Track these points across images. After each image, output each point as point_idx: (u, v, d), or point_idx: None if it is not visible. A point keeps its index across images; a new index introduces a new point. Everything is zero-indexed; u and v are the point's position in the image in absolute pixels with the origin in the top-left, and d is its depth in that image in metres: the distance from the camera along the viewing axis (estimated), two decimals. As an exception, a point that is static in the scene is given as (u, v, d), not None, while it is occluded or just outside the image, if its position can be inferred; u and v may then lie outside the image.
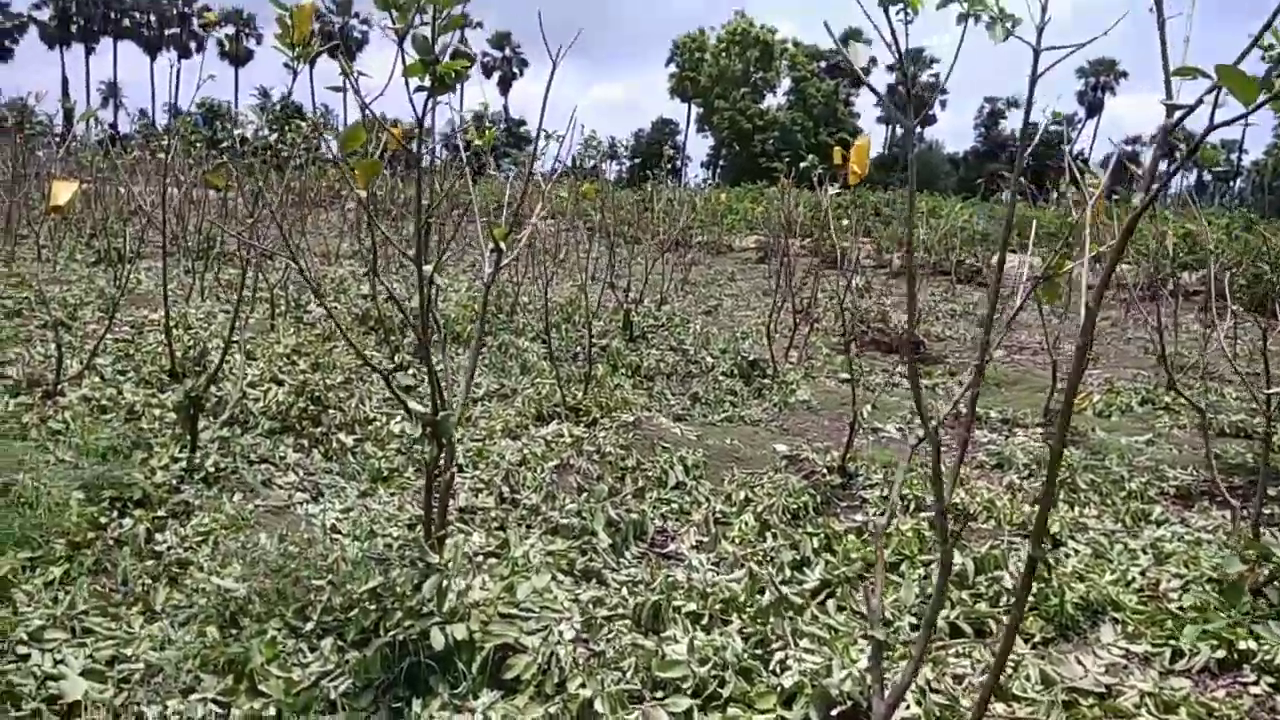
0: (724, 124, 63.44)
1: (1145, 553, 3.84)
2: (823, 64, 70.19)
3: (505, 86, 75.02)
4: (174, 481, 3.90)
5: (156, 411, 4.83)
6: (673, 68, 69.05)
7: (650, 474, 4.46)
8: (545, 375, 6.45)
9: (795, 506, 4.07)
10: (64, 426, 4.50)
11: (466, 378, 2.95)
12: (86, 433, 4.35)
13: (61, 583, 2.99)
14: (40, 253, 10.98)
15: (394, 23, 2.13)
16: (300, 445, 4.69)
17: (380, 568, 3.00)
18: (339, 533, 3.56)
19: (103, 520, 3.38)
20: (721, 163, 63.82)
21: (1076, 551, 3.78)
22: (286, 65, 3.29)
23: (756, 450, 5.25)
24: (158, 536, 3.35)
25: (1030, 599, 3.39)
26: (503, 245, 3.07)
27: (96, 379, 5.39)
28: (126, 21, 70.83)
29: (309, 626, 2.67)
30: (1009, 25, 1.69)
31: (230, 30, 69.10)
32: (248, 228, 3.91)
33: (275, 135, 3.94)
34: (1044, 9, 1.73)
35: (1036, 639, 3.15)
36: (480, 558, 3.33)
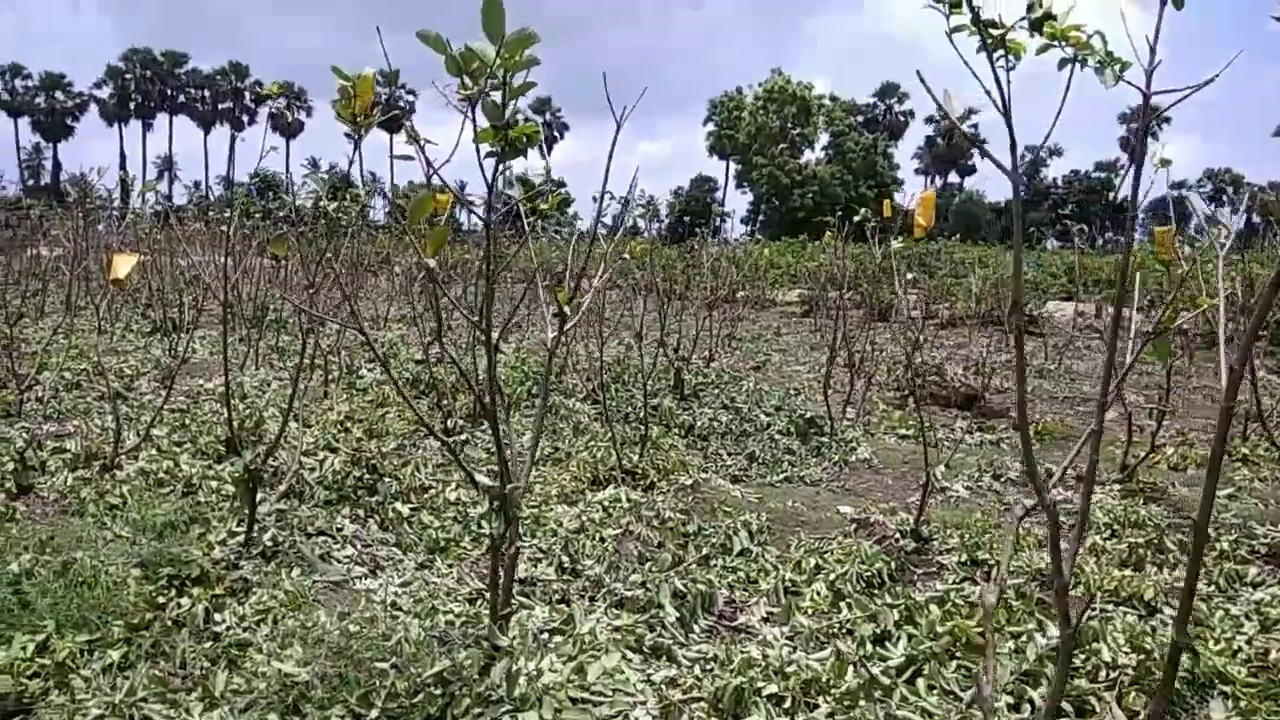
0: (762, 180, 63.89)
1: (1249, 619, 3.59)
2: (860, 118, 70.69)
3: (546, 149, 76.39)
4: (232, 557, 3.84)
5: (214, 484, 4.80)
6: (711, 126, 69.93)
7: (713, 540, 4.31)
8: (599, 438, 6.34)
9: (869, 574, 3.89)
10: (122, 501, 4.48)
11: (531, 448, 2.86)
12: (144, 507, 4.32)
13: (120, 667, 2.91)
14: (99, 324, 11.24)
15: (464, 89, 2.09)
16: (357, 515, 4.61)
17: (444, 648, 2.89)
18: (399, 609, 3.45)
19: (161, 600, 3.31)
20: (760, 217, 64.14)
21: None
22: (347, 135, 3.28)
23: (820, 512, 5.08)
24: (216, 616, 3.27)
25: (1130, 671, 3.17)
26: (566, 310, 3.00)
27: (154, 451, 5.39)
28: (182, 98, 73.79)
29: (373, 714, 2.55)
30: (1118, 69, 1.58)
31: (282, 103, 71.56)
32: (307, 296, 3.91)
33: (335, 205, 3.95)
34: (1153, 50, 1.62)
35: (1141, 716, 2.92)
36: (545, 634, 3.19)
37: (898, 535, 4.24)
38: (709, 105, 69.65)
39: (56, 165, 70.48)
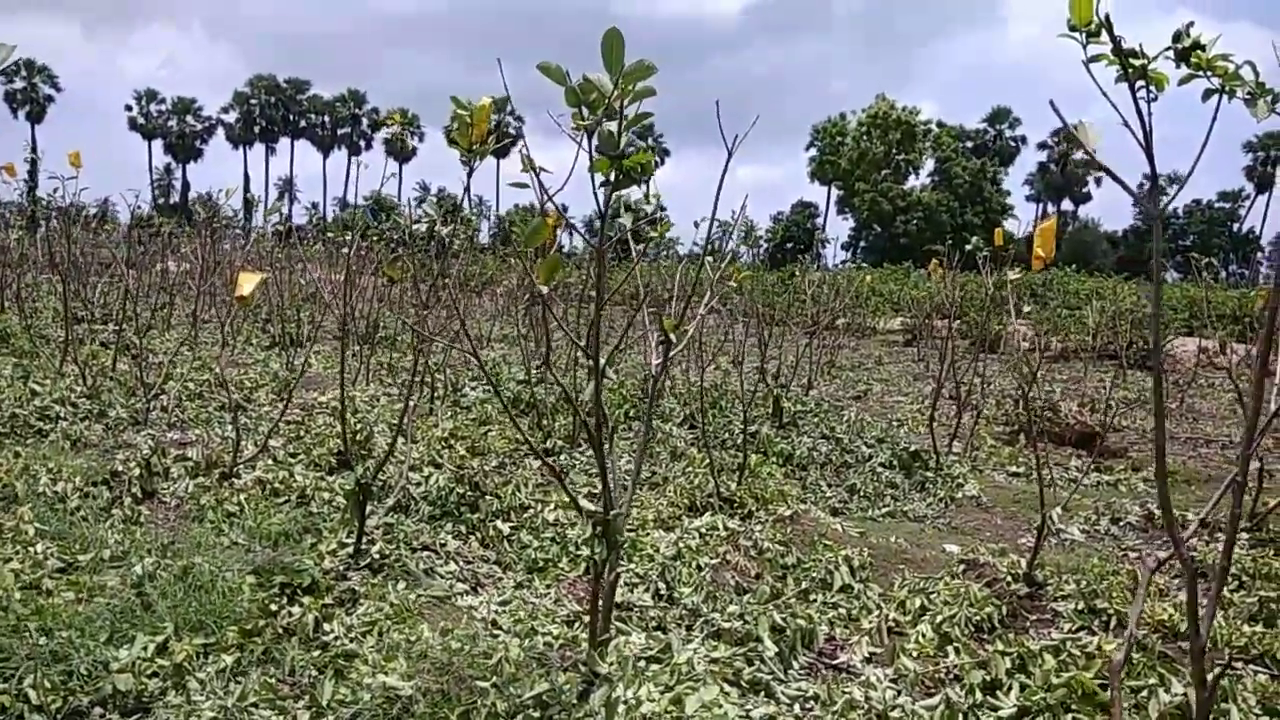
0: (864, 206, 62.97)
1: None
2: (969, 144, 69.04)
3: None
4: (341, 568, 3.95)
5: (326, 495, 4.96)
6: (813, 151, 69.42)
7: (813, 574, 4.22)
8: (696, 463, 6.31)
9: (978, 618, 3.73)
10: (239, 509, 4.67)
11: (634, 474, 2.85)
12: (260, 516, 4.50)
13: (233, 671, 3.02)
14: (223, 338, 11.84)
15: (580, 120, 2.12)
16: (459, 531, 4.70)
17: (543, 670, 2.89)
18: (499, 627, 3.48)
19: (273, 607, 3.43)
20: (862, 244, 63.19)
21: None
22: (462, 162, 3.38)
23: (925, 550, 4.92)
24: (325, 626, 3.36)
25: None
26: (672, 336, 3.00)
27: (270, 461, 5.62)
28: (303, 123, 77.48)
29: (473, 733, 2.57)
30: (1271, 101, 1.49)
31: (396, 129, 74.40)
32: (420, 317, 4.01)
33: (449, 230, 4.07)
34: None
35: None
36: (642, 662, 3.17)
37: (1009, 579, 4.07)
38: (811, 130, 69.23)
39: (185, 185, 74.90)
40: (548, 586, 4.12)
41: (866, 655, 3.54)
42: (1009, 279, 4.13)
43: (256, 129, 76.24)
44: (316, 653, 3.18)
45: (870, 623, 3.77)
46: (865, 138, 64.36)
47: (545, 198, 2.44)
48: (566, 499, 2.71)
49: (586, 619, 3.62)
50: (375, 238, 11.25)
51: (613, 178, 2.16)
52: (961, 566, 4.32)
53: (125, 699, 2.81)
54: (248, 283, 5.55)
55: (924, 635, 3.61)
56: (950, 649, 3.48)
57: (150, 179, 73.85)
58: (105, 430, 6.22)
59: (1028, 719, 2.93)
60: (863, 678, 3.24)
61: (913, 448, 6.93)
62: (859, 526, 5.21)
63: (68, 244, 9.51)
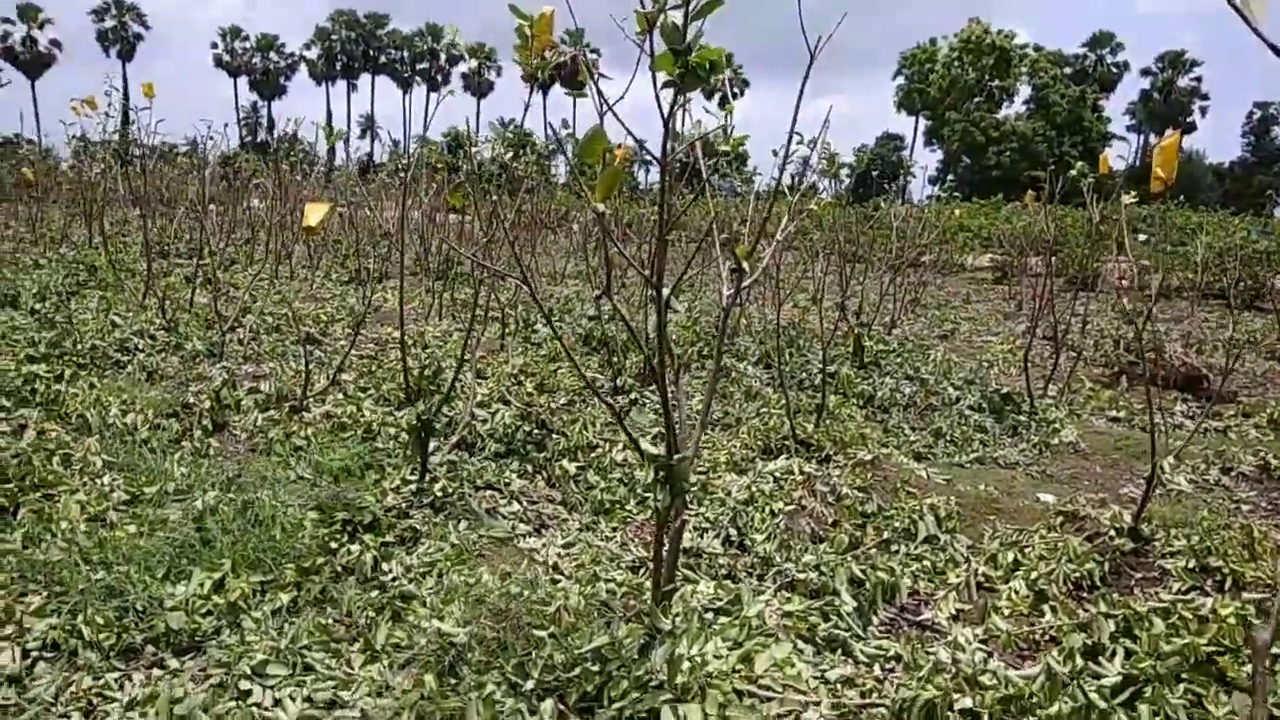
0: (955, 137, 60.37)
1: None
2: (1067, 70, 65.34)
3: (723, 105, 75.43)
4: (403, 505, 3.86)
5: (392, 430, 4.88)
6: (900, 80, 66.68)
7: (895, 524, 3.96)
8: (771, 404, 6.06)
9: (1077, 575, 3.44)
10: (306, 443, 4.63)
11: (701, 414, 2.63)
12: (325, 451, 4.44)
13: (289, 610, 2.94)
14: (291, 271, 11.93)
15: (642, 14, 1.85)
16: (524, 470, 4.57)
17: (604, 620, 2.73)
18: (561, 572, 3.34)
19: (333, 545, 3.35)
20: (950, 177, 60.75)
21: None
22: (524, 79, 3.13)
23: (1017, 500, 4.60)
24: (384, 566, 3.26)
25: None
26: (745, 265, 2.73)
27: (340, 395, 5.57)
28: (383, 59, 77.75)
29: (529, 685, 2.42)
30: None
31: (474, 64, 74.12)
32: (481, 248, 3.83)
33: (510, 155, 3.86)
34: None
35: None
36: (710, 614, 2.99)
37: (1112, 532, 3.74)
38: (899, 58, 66.31)
39: (271, 122, 76.24)
40: (614, 529, 3.96)
41: (953, 613, 3.29)
42: (1126, 202, 3.71)
43: (338, 65, 76.74)
44: (374, 593, 3.09)
45: (958, 577, 3.51)
46: (957, 64, 61.38)
47: (606, 108, 2.18)
48: (628, 438, 2.50)
49: (653, 566, 3.45)
50: (447, 171, 11.10)
51: (677, 75, 1.89)
52: (1059, 518, 4.00)
53: (179, 637, 2.75)
54: (315, 213, 5.44)
55: (1017, 592, 3.34)
56: (1046, 608, 3.21)
57: (237, 116, 75.33)
58: (181, 363, 6.27)
59: (1135, 688, 2.65)
60: (950, 638, 2.99)
61: (1004, 390, 6.53)
62: (945, 473, 4.90)
63: (144, 179, 9.59)
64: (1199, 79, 70.15)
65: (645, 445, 2.36)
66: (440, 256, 12.29)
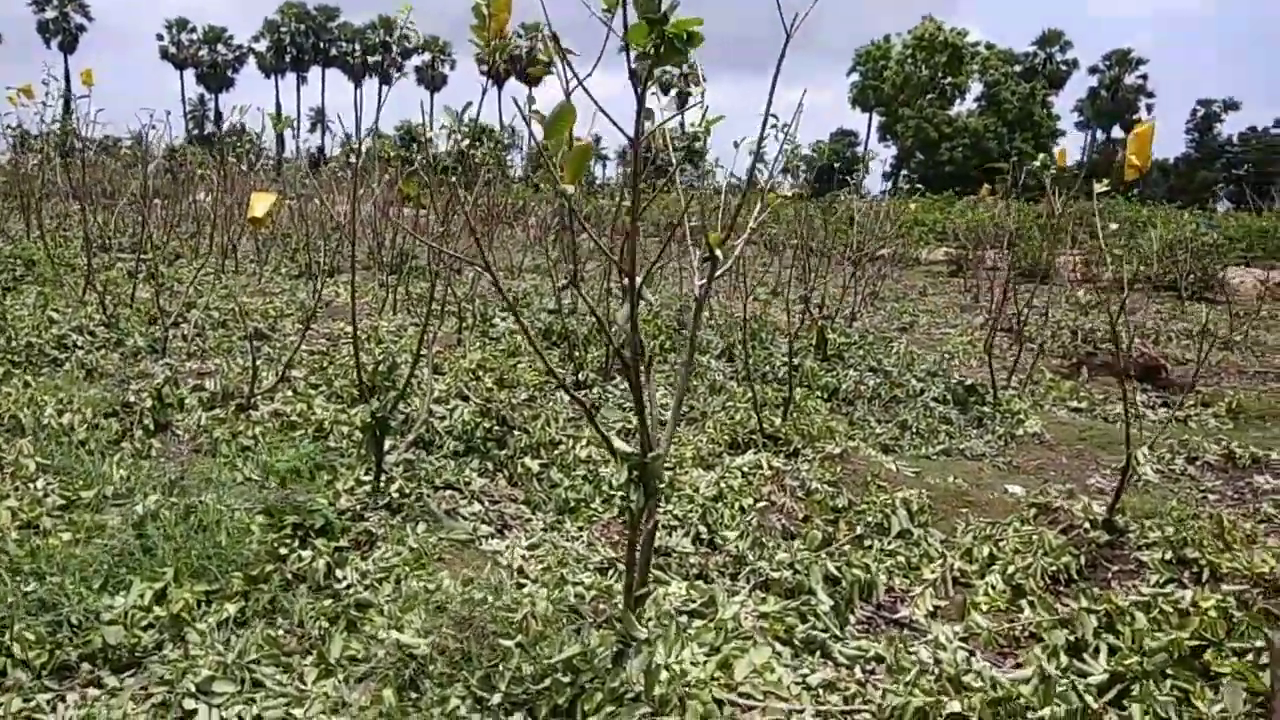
0: (908, 133, 61.01)
1: None
2: (1017, 68, 66.33)
3: (681, 103, 75.50)
4: (358, 508, 3.68)
5: (345, 429, 4.69)
6: (855, 76, 67.18)
7: (868, 519, 3.87)
8: (736, 398, 5.96)
9: (1054, 569, 3.38)
10: (254, 442, 4.42)
11: (673, 411, 2.50)
12: (274, 451, 4.24)
13: (237, 622, 2.76)
14: (236, 264, 11.57)
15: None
16: (485, 469, 4.41)
17: (574, 626, 2.60)
18: (526, 576, 3.19)
19: (283, 551, 3.16)
20: (904, 172, 61.40)
21: None
22: (479, 61, 2.99)
23: (986, 492, 4.55)
24: (338, 573, 3.09)
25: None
26: (718, 253, 2.61)
27: (290, 392, 5.35)
28: (334, 51, 76.37)
29: (496, 699, 2.28)
30: None
31: (427, 57, 73.20)
32: (437, 238, 3.66)
33: (467, 143, 3.69)
34: None
35: None
36: (684, 618, 2.86)
37: (1086, 525, 3.69)
38: (854, 55, 66.75)
39: (218, 116, 74.47)
40: (580, 529, 3.83)
41: (931, 609, 3.21)
42: (1098, 190, 3.66)
43: (287, 58, 75.18)
44: (328, 602, 2.92)
45: (933, 573, 3.44)
46: (910, 61, 62.01)
47: (575, 83, 2.04)
48: (599, 435, 2.37)
49: (621, 566, 3.32)
50: (400, 164, 10.84)
51: (652, 47, 1.75)
52: (1031, 510, 3.95)
53: (117, 653, 2.56)
54: (261, 203, 5.21)
55: (994, 587, 3.27)
56: (1024, 603, 3.14)
57: (184, 109, 73.47)
58: (121, 360, 6.00)
59: (1122, 686, 2.59)
60: (930, 636, 2.90)
61: (968, 382, 6.51)
62: (913, 466, 4.84)
63: (83, 171, 9.22)
64: (1144, 76, 71.72)
65: (617, 442, 2.22)
66: (394, 250, 12.02)
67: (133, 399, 4.81)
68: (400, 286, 9.87)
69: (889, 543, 3.69)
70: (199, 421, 4.66)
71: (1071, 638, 2.82)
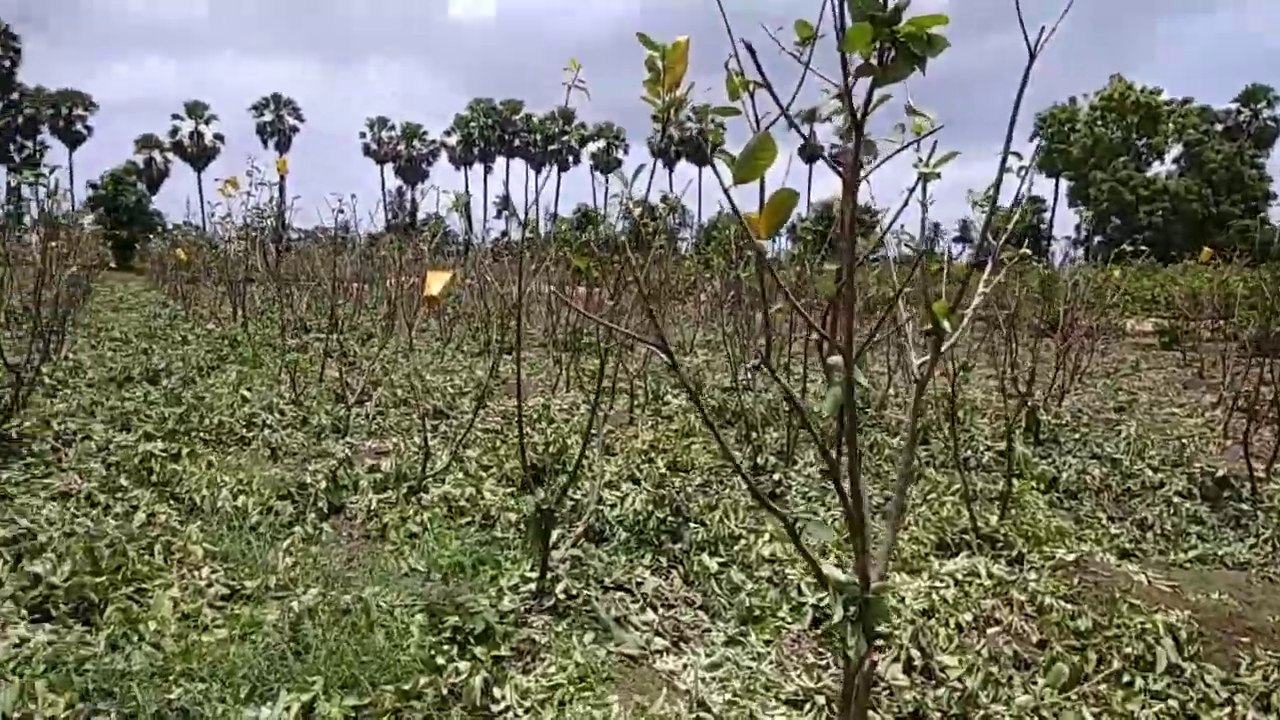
0: (1102, 197, 57.38)
1: None
2: (1218, 126, 61.39)
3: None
4: (521, 609, 3.34)
5: (512, 516, 4.42)
6: (1039, 141, 64.22)
7: (1125, 648, 3.16)
8: (940, 489, 5.29)
9: (1396, 734, 2.58)
10: (421, 529, 4.21)
11: (892, 529, 2.00)
12: (441, 539, 4.00)
13: (384, 748, 2.44)
14: (410, 342, 11.88)
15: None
16: (658, 565, 3.99)
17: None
18: (708, 710, 2.72)
19: (439, 660, 2.85)
20: (1099, 238, 57.55)
21: None
22: (654, 119, 2.69)
23: (1262, 612, 3.69)
24: (495, 691, 2.73)
25: None
26: (946, 324, 2.13)
27: (461, 474, 5.17)
28: (517, 142, 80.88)
29: None
30: None
31: (602, 144, 76.29)
32: (608, 311, 3.38)
33: (639, 211, 3.42)
34: None
35: None
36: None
37: None
38: (1035, 119, 63.92)
39: (414, 205, 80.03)
40: (766, 643, 3.32)
41: (1226, 781, 2.49)
42: None
43: (475, 150, 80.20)
44: (484, 727, 2.56)
45: (1221, 727, 2.70)
46: (1099, 122, 58.68)
47: (780, 111, 1.65)
48: (782, 526, 1.91)
49: (818, 699, 2.79)
50: (576, 245, 10.90)
51: (876, 57, 1.34)
52: (1343, 647, 3.12)
53: (253, 780, 2.29)
54: (436, 281, 5.14)
55: (1313, 755, 2.51)
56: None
57: (383, 201, 79.47)
58: (306, 438, 6.05)
59: None
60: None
61: (1219, 473, 5.55)
62: (1167, 578, 4.03)
63: (280, 257, 9.73)
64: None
65: (829, 569, 1.76)
66: (568, 327, 12.03)
67: (309, 480, 4.76)
68: (573, 364, 9.78)
69: (1156, 681, 2.97)
70: (370, 505, 4.52)
71: None
